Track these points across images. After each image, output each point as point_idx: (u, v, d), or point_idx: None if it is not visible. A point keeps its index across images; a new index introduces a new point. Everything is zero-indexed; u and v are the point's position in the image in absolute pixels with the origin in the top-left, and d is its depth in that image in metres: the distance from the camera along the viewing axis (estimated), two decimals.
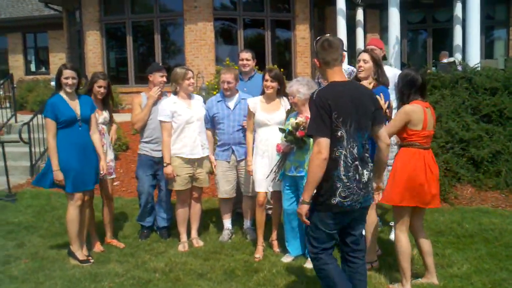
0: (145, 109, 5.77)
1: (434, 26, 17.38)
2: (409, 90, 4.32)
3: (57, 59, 20.96)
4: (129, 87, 13.90)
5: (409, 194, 4.19)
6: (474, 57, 9.65)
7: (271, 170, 5.09)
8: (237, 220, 6.27)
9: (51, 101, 5.05)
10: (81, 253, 5.22)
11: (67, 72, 5.08)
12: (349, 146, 3.38)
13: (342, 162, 3.37)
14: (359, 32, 16.00)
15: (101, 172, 5.29)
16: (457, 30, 14.72)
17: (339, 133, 3.35)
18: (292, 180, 5.00)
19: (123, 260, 5.29)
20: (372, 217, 4.81)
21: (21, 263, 5.22)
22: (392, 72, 5.47)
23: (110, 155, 5.71)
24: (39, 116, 9.72)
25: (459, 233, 5.77)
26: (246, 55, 6.36)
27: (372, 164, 3.58)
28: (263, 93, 5.40)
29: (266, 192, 5.34)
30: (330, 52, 3.48)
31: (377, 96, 4.48)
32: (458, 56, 13.98)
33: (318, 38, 3.61)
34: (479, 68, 8.76)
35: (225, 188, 5.79)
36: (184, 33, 13.63)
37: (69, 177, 5.04)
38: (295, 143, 4.87)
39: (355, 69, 5.75)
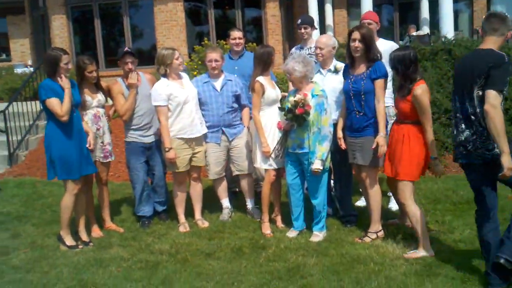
0: (130, 98, 5.51)
1: (401, 0, 17.54)
2: (413, 69, 4.42)
3: (18, 45, 20.24)
4: (99, 71, 13.59)
5: (423, 168, 4.52)
6: (448, 29, 9.84)
7: (274, 148, 5.11)
8: (232, 199, 6.24)
9: (47, 83, 4.88)
10: (70, 239, 5.17)
11: (67, 57, 4.94)
12: (455, 102, 3.90)
13: None
14: (328, 8, 16.02)
15: (89, 147, 5.12)
16: (424, 3, 14.96)
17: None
18: (295, 156, 5.03)
19: (125, 244, 5.22)
20: (375, 187, 4.89)
21: (20, 253, 5.08)
22: (389, 45, 5.49)
23: (107, 138, 5.55)
24: (14, 104, 9.48)
25: (455, 200, 5.93)
26: (238, 33, 6.24)
27: (480, 128, 3.72)
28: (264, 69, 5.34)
29: (275, 169, 5.31)
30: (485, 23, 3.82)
31: (379, 138, 4.61)
32: (425, 29, 14.22)
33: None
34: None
35: (216, 170, 5.74)
36: (154, 14, 13.39)
37: (70, 163, 4.93)
38: (295, 121, 4.88)
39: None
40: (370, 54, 4.77)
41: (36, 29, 16.26)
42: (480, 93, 3.65)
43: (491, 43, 3.75)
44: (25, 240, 5.46)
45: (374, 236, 4.90)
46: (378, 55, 4.81)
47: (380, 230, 4.95)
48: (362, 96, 4.75)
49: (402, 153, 4.47)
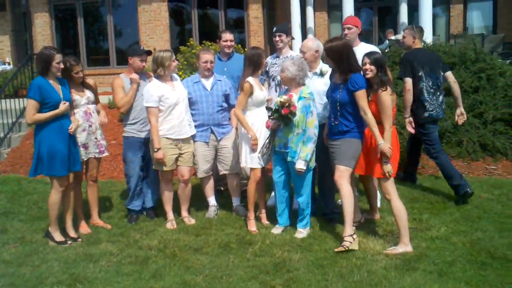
0: (130, 92, 5.71)
1: (380, 4, 17.87)
2: (385, 72, 4.75)
3: None
4: None
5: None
6: (428, 34, 10.08)
7: (262, 146, 5.28)
8: (218, 197, 6.36)
9: (38, 83, 5.00)
10: (59, 235, 5.27)
11: (59, 57, 5.06)
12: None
13: None
14: (309, 10, 16.21)
15: (70, 130, 5.14)
16: (403, 8, 15.22)
17: None
18: (281, 155, 5.20)
19: (114, 240, 5.33)
20: (347, 189, 4.85)
21: (10, 248, 5.17)
22: (370, 49, 5.68)
23: (99, 133, 5.69)
24: None
25: (432, 199, 6.18)
26: (230, 36, 6.37)
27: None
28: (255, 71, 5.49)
29: (260, 168, 5.47)
30: None
31: (381, 146, 4.63)
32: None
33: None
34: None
35: (204, 168, 5.87)
36: (138, 14, 13.46)
37: (57, 160, 5.03)
38: (281, 120, 5.05)
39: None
40: (340, 68, 4.89)
41: (17, 26, 16.16)
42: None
43: None
44: (13, 235, 5.53)
45: (350, 239, 4.79)
46: (351, 67, 4.83)
47: (354, 233, 4.88)
48: (338, 107, 4.88)
49: (378, 152, 4.66)
